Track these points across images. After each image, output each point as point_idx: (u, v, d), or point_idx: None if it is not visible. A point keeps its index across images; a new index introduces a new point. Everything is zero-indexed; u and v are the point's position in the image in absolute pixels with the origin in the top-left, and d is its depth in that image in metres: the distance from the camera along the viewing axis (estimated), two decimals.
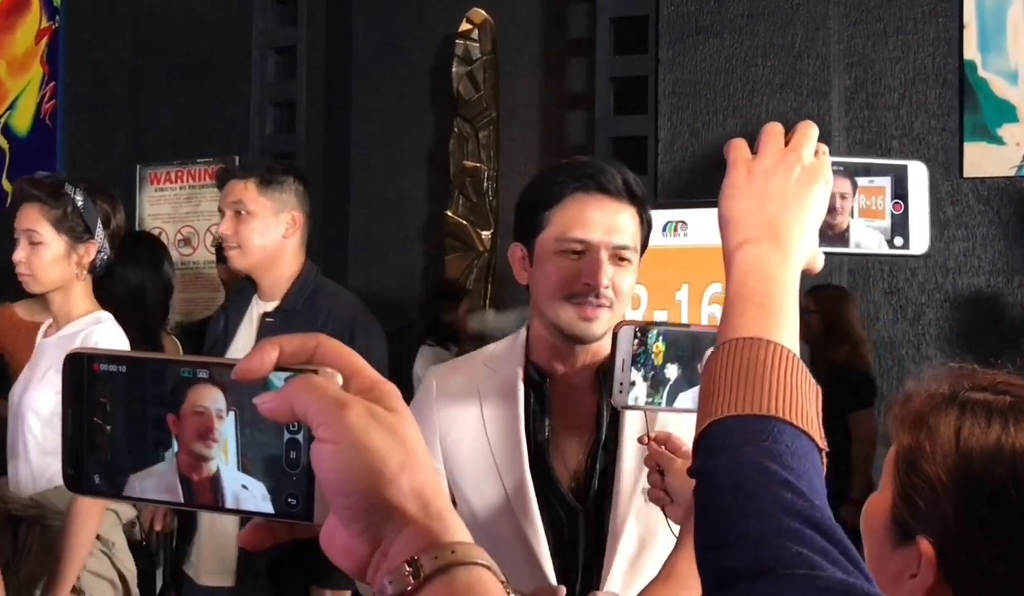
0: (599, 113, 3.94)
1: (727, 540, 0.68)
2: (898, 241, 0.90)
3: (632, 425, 1.41)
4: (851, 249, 0.90)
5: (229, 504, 0.56)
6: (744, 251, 0.82)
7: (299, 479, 0.55)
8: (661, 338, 1.18)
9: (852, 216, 0.89)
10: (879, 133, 3.54)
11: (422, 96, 4.72)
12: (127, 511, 2.53)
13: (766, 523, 0.66)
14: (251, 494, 0.56)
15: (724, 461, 0.71)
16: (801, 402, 0.73)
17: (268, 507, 0.55)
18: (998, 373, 0.91)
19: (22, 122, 5.21)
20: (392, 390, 0.56)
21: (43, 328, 2.46)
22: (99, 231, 2.44)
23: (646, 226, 1.45)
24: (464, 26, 4.52)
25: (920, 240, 0.90)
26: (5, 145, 5.23)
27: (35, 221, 2.29)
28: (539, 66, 4.53)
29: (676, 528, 1.24)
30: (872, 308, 3.53)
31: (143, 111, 4.88)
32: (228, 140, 4.63)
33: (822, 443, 0.73)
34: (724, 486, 0.70)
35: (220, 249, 3.69)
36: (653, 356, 1.18)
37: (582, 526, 1.42)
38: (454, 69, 4.53)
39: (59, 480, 2.28)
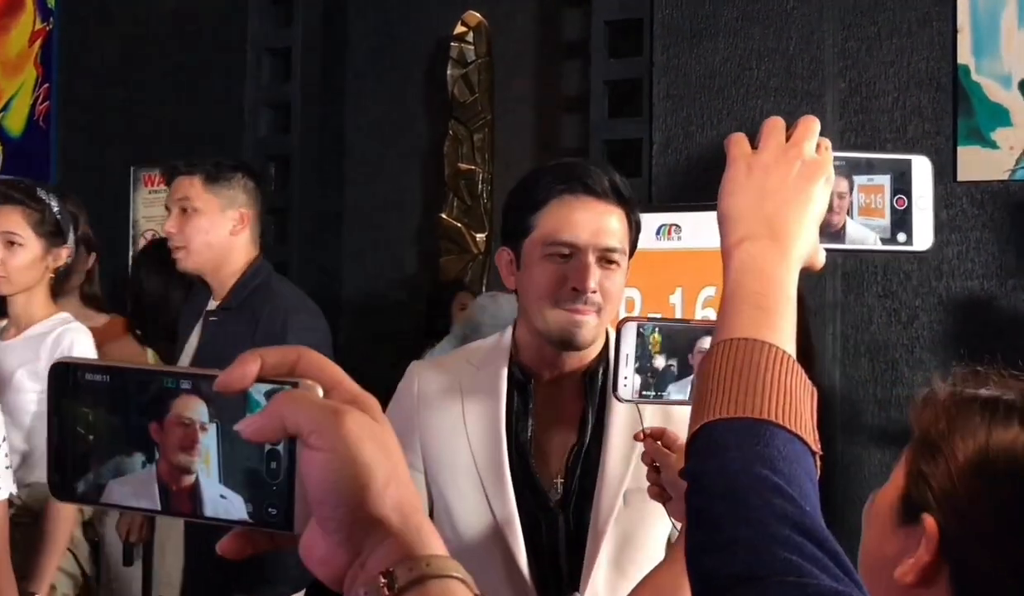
0: (594, 116, 3.95)
1: (717, 545, 0.67)
2: (901, 237, 0.89)
3: (619, 428, 1.40)
4: (849, 245, 0.90)
5: (208, 513, 0.57)
6: (742, 248, 0.80)
7: (279, 489, 0.55)
8: (657, 330, 1.18)
9: (851, 215, 0.89)
10: (873, 137, 3.55)
11: (417, 98, 4.72)
12: (86, 512, 2.55)
13: (756, 529, 0.66)
14: (230, 504, 0.56)
15: (715, 465, 0.71)
16: (795, 405, 0.72)
17: (247, 517, 0.56)
18: (1021, 377, 0.93)
19: (15, 124, 5.20)
20: (373, 403, 0.57)
21: None
22: (70, 235, 2.47)
23: (635, 228, 1.44)
24: (459, 29, 4.52)
25: (924, 236, 0.89)
26: None
27: (16, 223, 2.31)
28: (534, 69, 4.53)
29: (679, 525, 1.24)
30: (865, 311, 3.53)
31: (137, 113, 4.87)
32: (222, 142, 4.62)
33: (816, 447, 0.73)
34: (715, 490, 0.70)
35: None
36: (651, 349, 1.19)
37: (562, 527, 1.41)
38: (449, 71, 4.53)
39: (29, 480, 2.28)
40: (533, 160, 4.53)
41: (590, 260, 1.38)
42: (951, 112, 3.46)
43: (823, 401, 2.90)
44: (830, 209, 0.86)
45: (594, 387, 1.44)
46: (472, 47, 4.51)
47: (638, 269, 1.49)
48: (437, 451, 1.47)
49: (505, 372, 1.46)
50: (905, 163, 0.90)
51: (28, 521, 2.23)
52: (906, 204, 0.89)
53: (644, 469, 1.26)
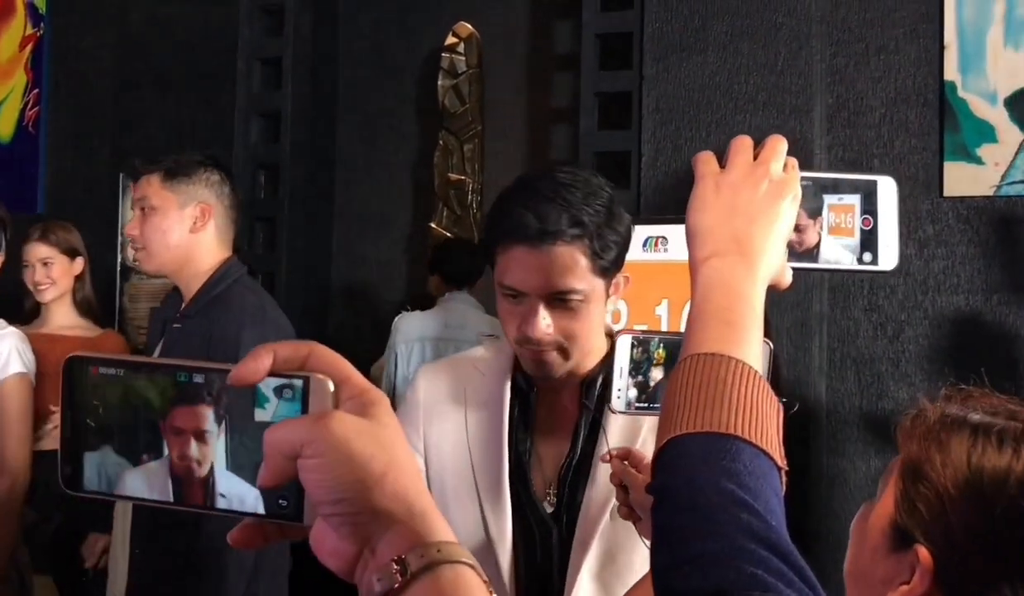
0: (583, 128, 3.96)
1: (683, 560, 0.68)
2: (867, 257, 0.90)
3: (613, 440, 1.39)
4: (820, 265, 0.90)
5: (220, 505, 0.58)
6: (709, 264, 0.81)
7: (290, 482, 0.56)
8: (652, 343, 1.19)
9: (822, 234, 0.90)
10: (860, 152, 3.57)
11: (407, 108, 4.73)
12: (27, 514, 2.55)
13: (722, 544, 0.67)
14: (243, 496, 0.57)
15: (681, 479, 0.71)
16: (761, 420, 0.73)
17: (258, 509, 0.57)
18: (1008, 398, 0.93)
19: (5, 129, 5.18)
20: (379, 397, 0.58)
21: None
22: (3, 241, 2.47)
23: (600, 256, 1.35)
24: (450, 40, 4.53)
25: (889, 256, 0.90)
26: None
27: None
28: (524, 80, 4.55)
29: (649, 544, 1.25)
30: (852, 325, 3.55)
31: (127, 119, 4.87)
32: (212, 149, 4.59)
33: (781, 462, 0.74)
34: (681, 505, 0.70)
35: None
36: (655, 362, 1.19)
37: (555, 539, 1.41)
38: (439, 82, 4.54)
39: None
40: (523, 171, 4.53)
41: (539, 307, 1.34)
42: (938, 128, 3.49)
43: (809, 413, 2.92)
44: (801, 229, 0.87)
45: (591, 396, 1.44)
46: (463, 58, 4.52)
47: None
48: (439, 457, 1.47)
49: (509, 382, 1.45)
50: (871, 184, 0.91)
51: None
52: (872, 224, 0.90)
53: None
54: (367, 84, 4.76)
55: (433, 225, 4.58)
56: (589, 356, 1.43)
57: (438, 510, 0.57)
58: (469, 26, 4.52)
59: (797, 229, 0.86)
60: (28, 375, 2.73)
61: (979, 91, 3.47)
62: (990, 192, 3.42)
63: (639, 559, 1.36)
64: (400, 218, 4.74)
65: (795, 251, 0.87)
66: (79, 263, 3.29)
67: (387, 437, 0.57)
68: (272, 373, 0.57)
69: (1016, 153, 3.42)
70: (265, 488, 0.56)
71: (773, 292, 0.85)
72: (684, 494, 0.70)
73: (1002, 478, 0.84)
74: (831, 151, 3.60)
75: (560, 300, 1.34)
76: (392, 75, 4.73)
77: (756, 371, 0.76)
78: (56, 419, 2.74)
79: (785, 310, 3.51)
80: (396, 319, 4.01)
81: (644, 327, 1.96)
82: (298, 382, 0.57)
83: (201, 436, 0.57)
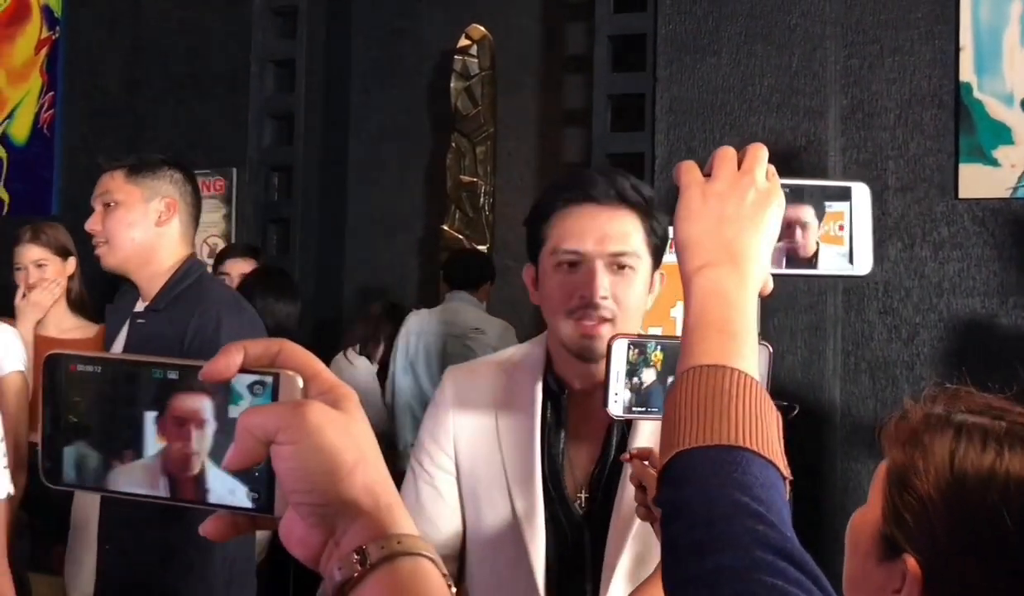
0: (596, 130, 3.95)
1: (700, 574, 0.67)
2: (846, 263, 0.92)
3: (644, 441, 1.38)
4: (815, 271, 0.91)
5: (199, 498, 0.60)
6: (703, 275, 0.82)
7: (260, 474, 0.58)
8: (659, 348, 1.18)
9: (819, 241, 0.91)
10: (875, 153, 3.56)
11: (420, 111, 4.73)
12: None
13: (740, 556, 0.67)
14: (218, 489, 0.59)
15: (692, 493, 0.71)
16: (765, 431, 0.73)
17: (237, 501, 0.59)
18: (994, 398, 0.91)
19: (20, 131, 5.21)
20: (348, 393, 0.60)
21: None
22: None
23: (653, 233, 1.40)
24: (463, 42, 4.53)
25: (863, 260, 0.91)
26: (3, 154, 5.23)
27: None
28: (537, 82, 4.54)
29: None
30: (866, 328, 3.53)
31: (142, 122, 4.89)
32: (226, 152, 4.63)
33: (786, 472, 0.74)
34: (695, 519, 0.70)
35: (218, 260, 3.70)
36: (653, 365, 1.19)
37: (588, 540, 1.41)
38: (452, 84, 4.54)
39: None
40: (535, 173, 4.54)
41: (597, 267, 1.35)
42: (953, 129, 3.47)
43: (823, 417, 2.90)
44: (791, 237, 0.88)
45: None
46: (475, 60, 4.53)
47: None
48: (471, 459, 1.47)
49: (540, 384, 1.45)
50: (845, 190, 0.92)
51: None
52: (847, 230, 0.91)
53: None
54: (380, 86, 4.77)
55: (445, 227, 4.58)
56: None
57: (403, 506, 0.59)
58: (482, 28, 4.52)
59: (788, 239, 0.87)
60: (24, 373, 2.73)
61: (995, 92, 3.44)
62: (1006, 194, 3.40)
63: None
64: (412, 220, 4.75)
65: (793, 259, 0.88)
66: (71, 262, 3.28)
67: (358, 430, 0.58)
68: (243, 369, 0.59)
69: None
70: (231, 470, 0.58)
71: (764, 297, 0.86)
72: (697, 508, 0.70)
73: (985, 480, 0.83)
74: (846, 153, 3.58)
75: (617, 265, 1.36)
76: (405, 77, 4.73)
77: (757, 381, 0.76)
78: None
79: (799, 313, 3.50)
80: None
81: (659, 331, 1.96)
82: (268, 378, 0.59)
83: (177, 431, 0.59)
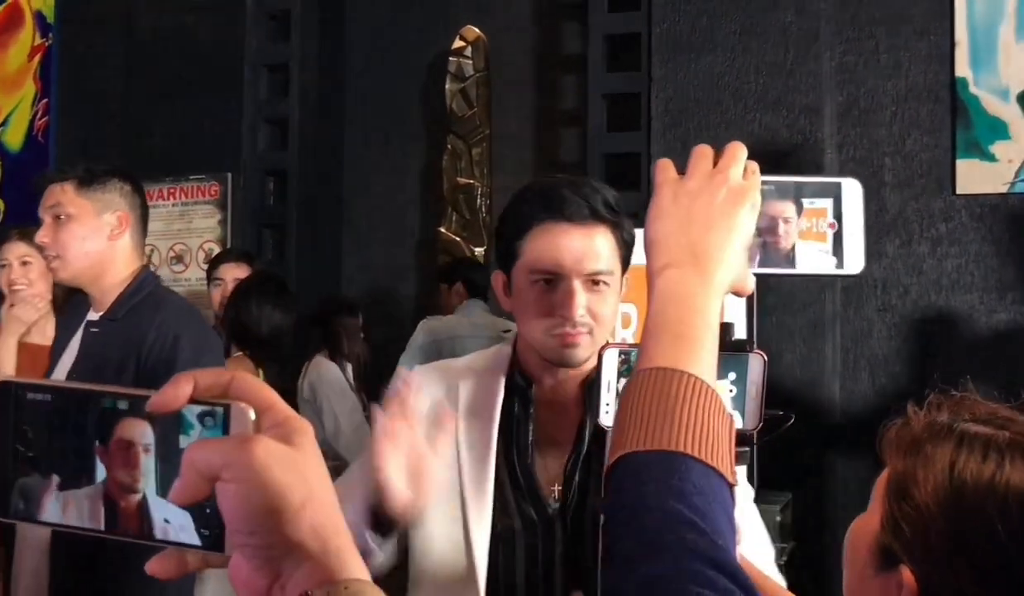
0: (592, 130, 3.94)
1: (631, 583, 0.67)
2: (833, 261, 0.89)
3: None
4: (795, 270, 0.89)
5: (158, 535, 0.58)
6: (664, 276, 0.80)
7: (212, 511, 0.56)
8: (636, 355, 1.17)
9: (796, 237, 0.89)
10: (871, 150, 3.55)
11: (415, 113, 4.72)
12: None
13: (669, 566, 0.66)
14: (177, 524, 0.57)
15: (629, 499, 0.70)
16: (711, 437, 0.72)
17: (186, 538, 0.57)
18: (1001, 406, 0.89)
19: (14, 139, 5.20)
20: (303, 426, 0.58)
21: None
22: None
23: (623, 245, 1.43)
24: (457, 43, 4.52)
25: (855, 259, 0.89)
26: None
27: None
28: (532, 83, 4.54)
29: None
30: (865, 325, 3.52)
31: (136, 128, 4.88)
32: (221, 157, 4.62)
33: (732, 479, 0.72)
34: (628, 526, 0.69)
35: (212, 266, 3.68)
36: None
37: (559, 533, 1.42)
38: (447, 86, 4.53)
39: None
40: (532, 174, 4.52)
41: (575, 287, 1.38)
42: (949, 125, 3.46)
43: (823, 414, 2.88)
44: (774, 234, 0.86)
45: (592, 400, 1.43)
46: (470, 61, 4.51)
47: (635, 284, 1.48)
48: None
49: (503, 379, 1.47)
50: (835, 187, 0.90)
51: None
52: (838, 228, 0.88)
53: None
54: (374, 89, 4.76)
55: (442, 230, 4.57)
56: (593, 357, 1.43)
57: (355, 549, 0.56)
58: (476, 29, 4.51)
59: (769, 234, 0.85)
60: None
61: (991, 87, 3.44)
62: (1004, 189, 3.39)
63: None
64: (409, 223, 4.73)
65: (772, 256, 0.86)
66: None
67: (309, 467, 0.56)
68: (193, 400, 0.57)
69: None
70: (178, 504, 0.56)
71: (743, 296, 0.84)
72: (631, 516, 0.69)
73: (984, 492, 0.80)
74: (842, 150, 3.57)
75: (592, 282, 1.39)
76: (399, 80, 4.72)
77: (707, 385, 0.74)
78: None
79: (798, 311, 3.49)
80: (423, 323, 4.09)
81: (629, 339, 1.95)
82: (219, 410, 0.57)
83: (132, 464, 0.58)
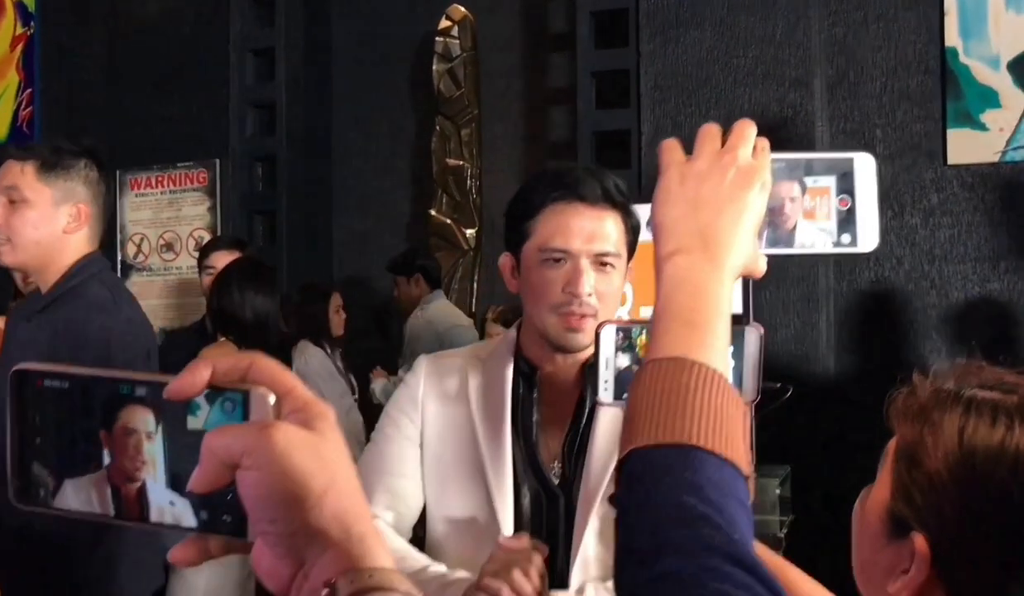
0: (581, 108, 3.92)
1: (647, 581, 0.65)
2: (845, 239, 0.86)
3: (606, 418, 1.45)
4: (798, 250, 0.87)
5: (154, 519, 0.57)
6: (673, 262, 0.78)
7: (233, 497, 0.55)
8: (644, 332, 1.16)
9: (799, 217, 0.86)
10: (862, 122, 3.53)
11: (403, 94, 4.69)
12: None
13: (685, 562, 0.64)
14: (180, 510, 0.57)
15: (642, 494, 0.69)
16: (725, 427, 0.70)
17: (197, 524, 0.56)
18: (1006, 372, 0.88)
19: None
20: (324, 411, 0.57)
21: None
22: None
23: (631, 231, 1.47)
24: (444, 23, 4.49)
25: (869, 237, 0.86)
26: None
27: None
28: (520, 62, 4.51)
29: None
30: (859, 298, 3.52)
31: (121, 116, 4.84)
32: (208, 143, 4.59)
33: (747, 470, 0.71)
34: (642, 522, 0.68)
35: (204, 254, 3.66)
36: (638, 351, 1.17)
37: (562, 510, 1.47)
38: (434, 67, 4.50)
39: None
40: (522, 154, 4.50)
41: (583, 265, 1.41)
42: (940, 95, 3.45)
43: (817, 388, 2.87)
44: (780, 213, 0.84)
45: (592, 379, 1.47)
46: (457, 41, 4.48)
47: (632, 264, 1.50)
48: (438, 435, 1.52)
49: (511, 364, 1.52)
50: (848, 162, 0.87)
51: None
52: (850, 204, 0.86)
53: None
54: (361, 71, 4.72)
55: (433, 212, 4.55)
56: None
57: (378, 536, 0.55)
58: (462, 8, 4.48)
59: (776, 212, 0.83)
60: None
61: (981, 56, 3.42)
62: (995, 158, 3.38)
63: None
64: (399, 206, 4.71)
65: (773, 236, 0.84)
66: None
67: (330, 453, 0.55)
68: (212, 386, 0.56)
69: (1021, 117, 3.37)
70: (196, 493, 0.55)
71: (756, 279, 0.81)
72: (645, 511, 0.68)
73: (995, 456, 0.80)
74: (832, 122, 3.56)
75: (600, 263, 1.43)
76: (386, 61, 4.69)
77: (720, 374, 0.72)
78: None
79: (791, 285, 3.48)
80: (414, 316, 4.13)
81: (625, 317, 1.96)
82: (238, 396, 0.56)
83: (135, 450, 0.57)
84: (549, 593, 1.29)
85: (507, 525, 1.45)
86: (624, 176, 3.19)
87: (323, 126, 4.74)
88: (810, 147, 3.42)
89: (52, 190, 2.10)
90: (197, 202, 4.74)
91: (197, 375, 0.55)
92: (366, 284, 4.65)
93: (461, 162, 4.51)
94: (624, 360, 1.16)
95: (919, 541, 0.82)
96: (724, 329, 0.76)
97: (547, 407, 1.51)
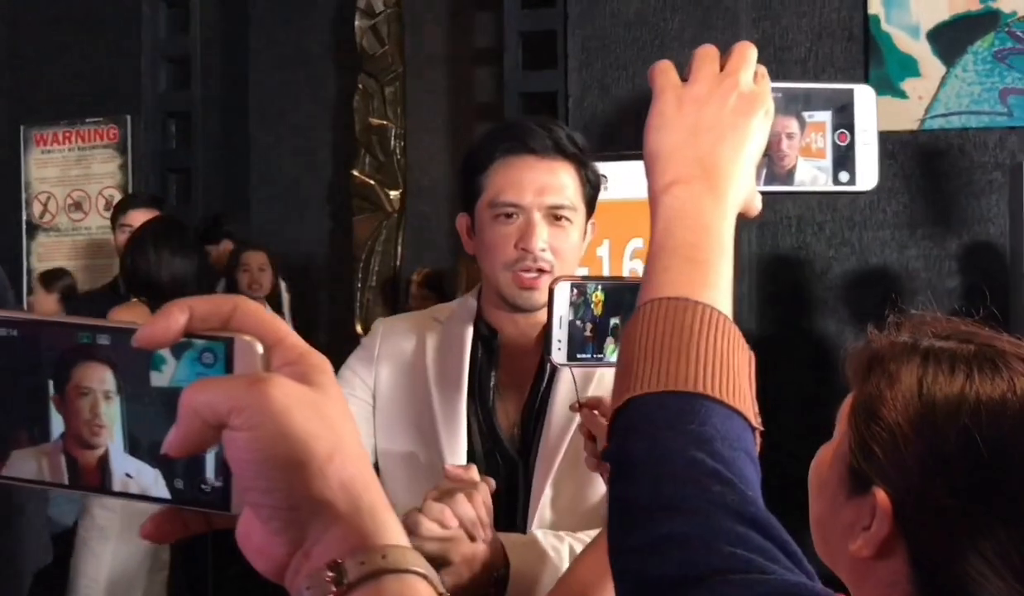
0: (508, 68, 3.87)
1: (649, 543, 0.59)
2: (843, 177, 0.80)
3: (566, 381, 1.40)
4: (797, 188, 0.82)
5: (117, 488, 0.49)
6: (672, 193, 0.71)
7: (214, 463, 0.48)
8: (599, 288, 1.12)
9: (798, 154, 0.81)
10: None
11: (324, 50, 4.56)
12: None
13: (694, 522, 0.59)
14: (145, 478, 0.49)
15: (643, 447, 0.62)
16: (732, 375, 0.64)
17: (169, 493, 0.49)
18: (961, 321, 0.86)
19: None
20: (321, 363, 0.49)
21: None
22: None
23: (588, 184, 1.43)
24: None
25: (868, 174, 0.80)
26: None
27: None
28: (445, 20, 4.42)
29: None
30: (780, 262, 3.56)
31: (26, 68, 4.61)
32: (119, 98, 4.41)
33: (756, 422, 0.65)
34: (643, 478, 0.61)
35: (119, 211, 3.52)
36: (593, 308, 1.12)
37: (521, 478, 1.43)
38: (356, 22, 4.38)
39: None
40: (447, 114, 4.42)
41: (535, 219, 1.37)
42: (863, 62, 3.48)
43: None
44: (776, 149, 0.78)
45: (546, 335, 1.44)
46: None
47: (607, 219, 1.47)
48: (390, 395, 1.48)
49: (471, 328, 1.48)
50: (847, 93, 0.81)
51: None
52: (848, 140, 0.80)
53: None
54: (281, 26, 4.57)
55: (355, 173, 4.45)
56: None
57: (389, 506, 0.48)
58: None
59: (773, 147, 0.77)
60: None
61: (902, 24, 3.46)
62: (914, 126, 3.43)
63: (591, 492, 1.40)
64: (321, 166, 4.60)
65: (770, 173, 0.78)
66: None
67: (333, 411, 0.47)
68: (188, 334, 0.48)
69: (939, 86, 3.43)
70: (170, 456, 0.47)
71: (742, 220, 0.76)
72: (645, 465, 0.61)
73: (955, 405, 0.77)
74: None
75: (555, 217, 1.38)
76: (307, 16, 4.55)
77: (726, 317, 0.66)
78: None
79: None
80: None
81: (584, 272, 1.92)
82: (219, 345, 0.48)
83: (91, 412, 0.49)
84: (494, 531, 1.24)
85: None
86: None
87: (240, 82, 4.58)
88: None
89: None
90: (107, 160, 4.55)
91: (172, 319, 0.47)
92: (287, 245, 4.53)
93: (385, 122, 4.42)
94: (581, 318, 1.11)
95: (880, 495, 0.79)
96: (728, 267, 0.70)
97: (506, 372, 1.46)
